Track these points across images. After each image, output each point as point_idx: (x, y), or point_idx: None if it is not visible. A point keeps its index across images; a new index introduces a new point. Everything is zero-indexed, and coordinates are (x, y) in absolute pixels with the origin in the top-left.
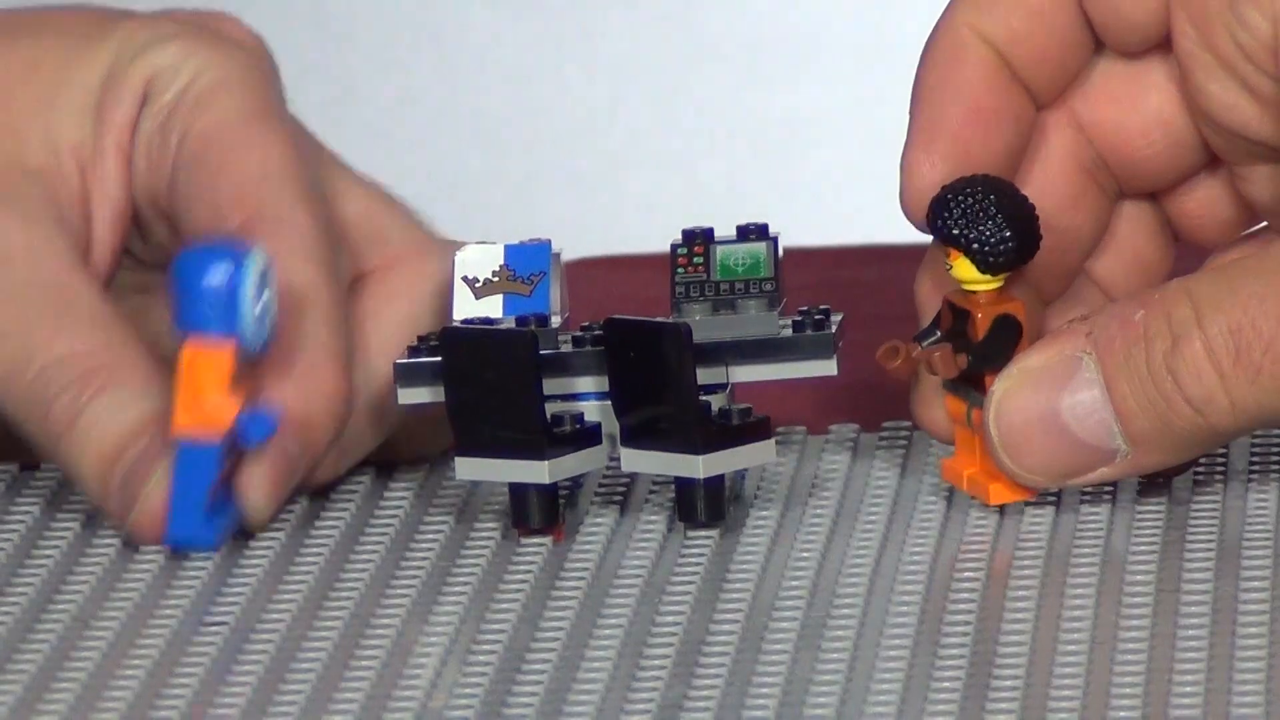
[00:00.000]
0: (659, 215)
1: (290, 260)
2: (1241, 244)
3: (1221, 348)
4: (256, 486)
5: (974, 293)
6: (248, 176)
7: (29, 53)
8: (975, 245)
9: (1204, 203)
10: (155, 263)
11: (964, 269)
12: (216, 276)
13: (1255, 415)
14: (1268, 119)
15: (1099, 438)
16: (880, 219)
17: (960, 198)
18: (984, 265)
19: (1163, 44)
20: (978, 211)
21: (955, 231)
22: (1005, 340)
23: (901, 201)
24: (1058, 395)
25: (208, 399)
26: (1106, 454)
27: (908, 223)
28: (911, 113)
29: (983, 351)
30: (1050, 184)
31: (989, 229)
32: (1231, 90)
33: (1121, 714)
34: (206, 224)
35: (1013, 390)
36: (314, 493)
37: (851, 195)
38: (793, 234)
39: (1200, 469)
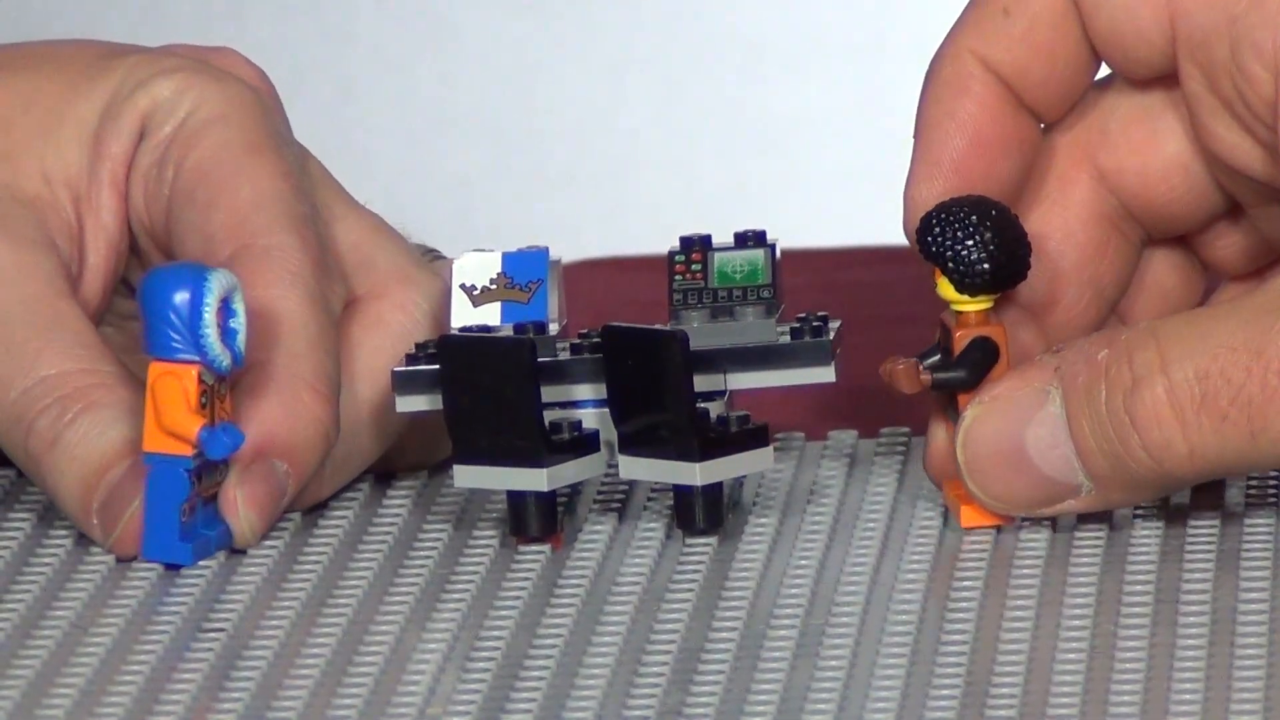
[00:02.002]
0: (660, 216)
1: (277, 287)
2: (1248, 280)
3: (1186, 394)
4: (241, 507)
5: (961, 313)
6: (239, 207)
7: (29, 85)
8: (951, 264)
9: (1232, 243)
10: None
11: (946, 288)
12: (177, 297)
13: (1215, 463)
14: (1271, 163)
15: (1061, 472)
16: (881, 221)
17: (945, 216)
18: (960, 285)
19: (1172, 77)
20: (958, 231)
21: (934, 250)
22: (977, 362)
23: (905, 232)
24: (1022, 427)
25: (171, 418)
26: (1070, 488)
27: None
28: (915, 142)
29: (953, 370)
30: (1073, 237)
31: (966, 249)
32: (1235, 132)
33: None
34: (198, 255)
35: (981, 418)
36: (307, 509)
37: (852, 196)
38: (793, 235)
39: None
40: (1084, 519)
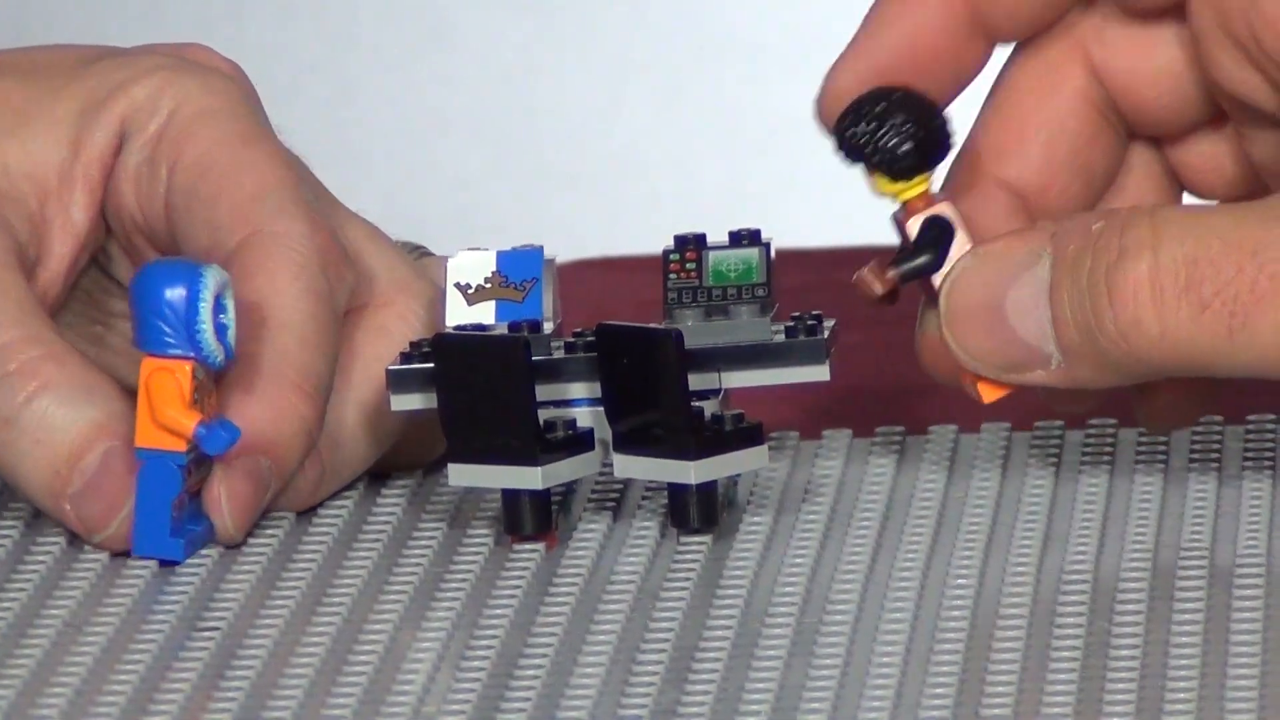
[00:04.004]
0: (656, 215)
1: (280, 278)
2: None
3: (1170, 275)
4: (225, 502)
5: (906, 202)
6: (244, 195)
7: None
8: (876, 158)
9: (1208, 157)
10: None
11: (881, 183)
12: (173, 294)
13: (1185, 354)
14: (1277, 95)
15: (1035, 337)
16: (879, 220)
17: (853, 117)
18: (891, 173)
19: (1175, 9)
20: (869, 123)
21: (856, 151)
22: (934, 240)
23: (817, 108)
24: (1006, 286)
25: (166, 414)
26: (1040, 356)
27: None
28: (858, 30)
29: (915, 257)
30: (1065, 124)
31: (884, 138)
32: (1245, 68)
33: None
34: (206, 247)
35: (970, 269)
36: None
37: (846, 195)
38: (791, 234)
39: (1194, 470)
40: (1080, 514)
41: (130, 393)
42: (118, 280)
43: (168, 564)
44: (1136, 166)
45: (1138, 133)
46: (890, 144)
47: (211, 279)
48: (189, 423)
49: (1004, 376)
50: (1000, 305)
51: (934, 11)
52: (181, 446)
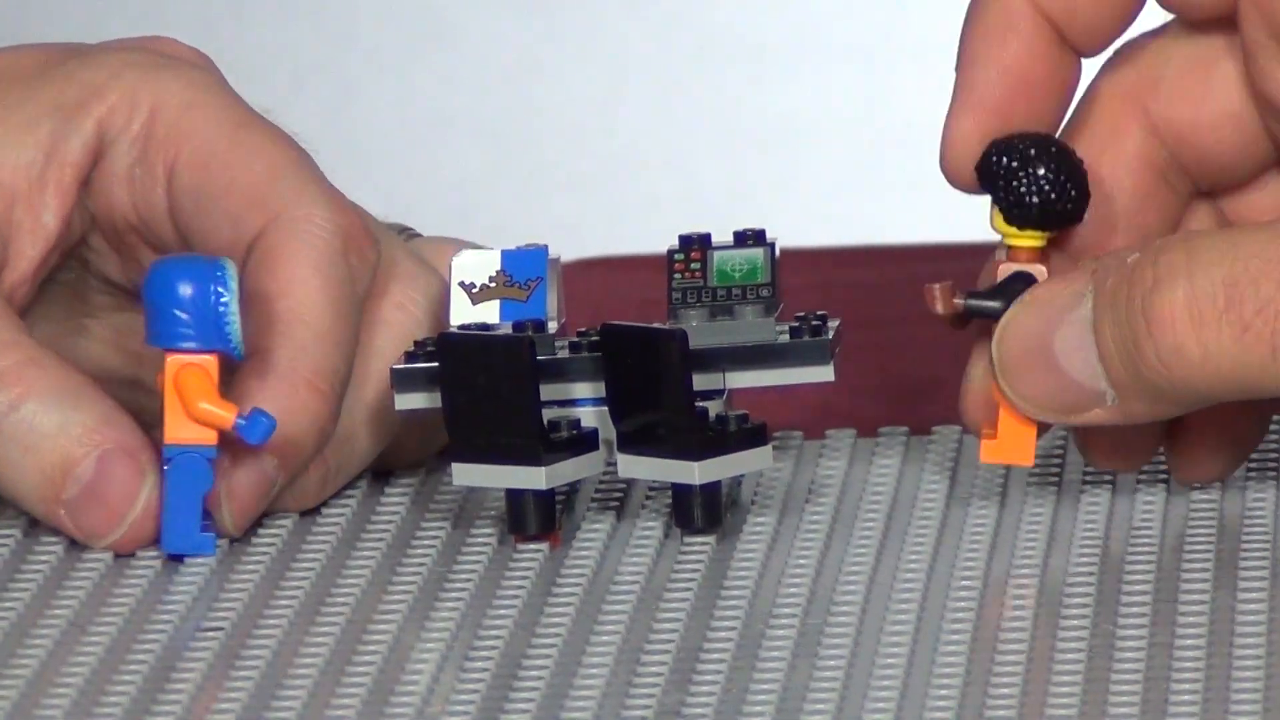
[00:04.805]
0: (659, 215)
1: (300, 268)
2: None
3: (1208, 299)
4: (225, 501)
5: (1013, 247)
6: (257, 181)
7: None
8: (1002, 194)
9: (1268, 210)
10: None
11: (997, 220)
12: (197, 290)
13: (1229, 375)
14: None
15: (1085, 376)
16: (881, 220)
17: (1005, 146)
18: (1008, 216)
19: (1228, 23)
20: (1014, 163)
21: (988, 182)
22: (1014, 295)
23: (941, 164)
24: (1054, 327)
25: (201, 408)
26: (1094, 395)
27: (910, 223)
28: (958, 77)
29: (989, 299)
30: (1122, 185)
31: (1020, 181)
32: None
33: None
34: (227, 238)
35: (1018, 316)
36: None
37: (852, 195)
38: (793, 235)
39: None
40: (1083, 516)
41: (114, 383)
42: (104, 277)
43: (175, 558)
44: (1196, 225)
45: (1200, 184)
46: (1020, 189)
47: (233, 270)
48: (228, 415)
49: (1064, 419)
50: (1049, 348)
51: (1026, 41)
52: (212, 439)
